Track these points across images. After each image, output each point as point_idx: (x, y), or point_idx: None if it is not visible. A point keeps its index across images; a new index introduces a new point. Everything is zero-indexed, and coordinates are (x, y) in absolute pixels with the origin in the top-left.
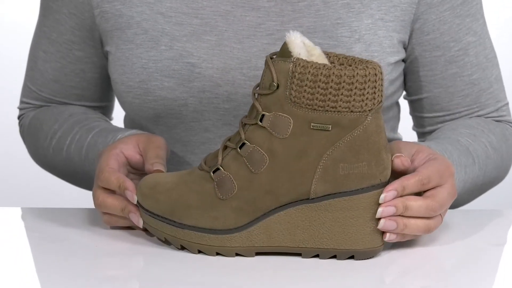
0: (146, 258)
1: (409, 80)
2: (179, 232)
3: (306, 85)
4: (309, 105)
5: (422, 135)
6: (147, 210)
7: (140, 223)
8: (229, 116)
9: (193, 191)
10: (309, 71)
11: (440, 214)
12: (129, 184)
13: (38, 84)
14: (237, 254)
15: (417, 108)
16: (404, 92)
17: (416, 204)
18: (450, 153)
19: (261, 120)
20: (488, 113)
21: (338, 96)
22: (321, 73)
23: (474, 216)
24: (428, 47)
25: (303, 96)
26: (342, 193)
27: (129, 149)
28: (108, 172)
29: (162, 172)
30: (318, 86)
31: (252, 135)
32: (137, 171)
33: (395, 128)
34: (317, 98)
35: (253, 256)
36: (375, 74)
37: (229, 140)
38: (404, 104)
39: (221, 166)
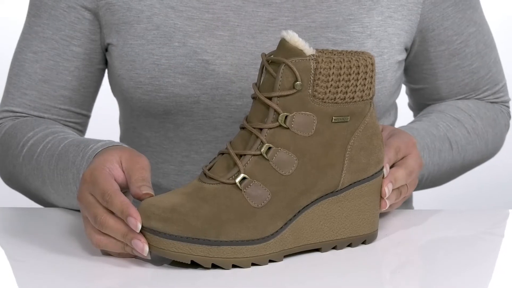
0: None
1: (411, 72)
2: (213, 251)
3: (332, 79)
4: (332, 99)
5: (417, 114)
6: (170, 235)
7: (145, 250)
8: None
9: (221, 206)
10: (334, 66)
11: (407, 184)
12: (133, 210)
13: (23, 88)
14: (269, 261)
15: (416, 95)
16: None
17: (399, 174)
18: (422, 137)
19: (284, 122)
20: (485, 97)
21: (357, 86)
22: (344, 66)
23: (474, 215)
24: (432, 42)
25: (329, 91)
26: (361, 181)
27: (115, 169)
28: (114, 193)
29: (152, 196)
30: (342, 79)
31: (275, 138)
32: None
33: (393, 125)
34: (341, 91)
35: (282, 260)
36: (375, 61)
37: (233, 147)
38: (403, 103)
39: (244, 174)
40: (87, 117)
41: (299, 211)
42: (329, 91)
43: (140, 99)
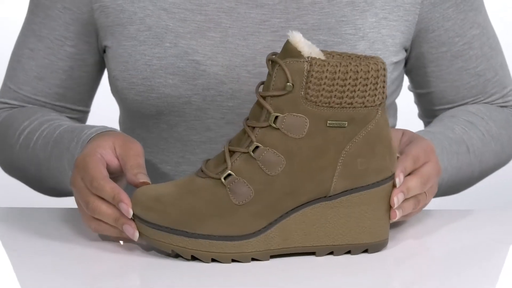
0: (141, 270)
1: (415, 76)
2: (191, 243)
3: (324, 83)
4: (325, 103)
5: (428, 124)
6: (151, 223)
7: (135, 236)
8: (232, 115)
9: (204, 199)
10: (327, 69)
11: (425, 192)
12: (124, 196)
13: (19, 83)
14: (252, 259)
15: (423, 100)
16: (409, 84)
17: (413, 183)
18: (440, 141)
19: (274, 122)
20: (494, 100)
21: (355, 92)
22: (339, 70)
23: (474, 216)
24: (433, 44)
25: (321, 94)
26: (359, 188)
27: (108, 154)
28: (103, 180)
29: (148, 184)
30: (337, 84)
31: (265, 138)
32: (112, 174)
33: (393, 126)
34: (335, 95)
35: (268, 260)
36: (384, 68)
37: (230, 143)
38: (404, 103)
39: (231, 171)
40: (85, 112)
41: (287, 213)
42: (321, 95)
43: (133, 99)
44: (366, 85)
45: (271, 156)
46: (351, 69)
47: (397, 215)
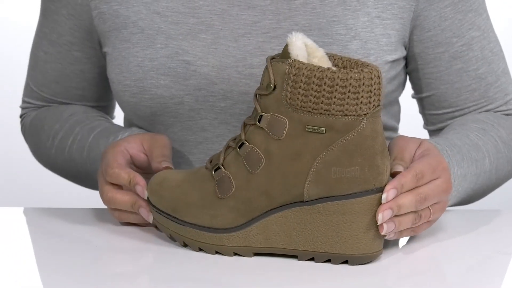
0: (154, 256)
1: (415, 78)
2: (181, 229)
3: (300, 87)
4: (303, 107)
5: (433, 133)
6: (154, 206)
7: (150, 218)
8: (225, 115)
9: (195, 189)
10: (303, 73)
11: (429, 207)
12: (140, 179)
13: (39, 84)
14: (235, 254)
15: (426, 105)
16: (412, 91)
17: (406, 200)
18: (459, 148)
19: (259, 121)
20: (497, 107)
21: (332, 99)
22: (315, 76)
23: (474, 216)
24: (430, 43)
25: (298, 98)
26: (334, 197)
27: (133, 148)
28: (118, 167)
29: (171, 169)
30: (312, 89)
31: (251, 136)
32: (140, 170)
33: (395, 127)
34: (310, 100)
35: (251, 256)
36: (371, 78)
37: (234, 140)
38: (406, 104)
39: (222, 165)
40: (109, 105)
41: (266, 212)
42: (298, 98)
43: (128, 101)
44: (344, 93)
45: (253, 154)
46: (326, 75)
47: (384, 230)
